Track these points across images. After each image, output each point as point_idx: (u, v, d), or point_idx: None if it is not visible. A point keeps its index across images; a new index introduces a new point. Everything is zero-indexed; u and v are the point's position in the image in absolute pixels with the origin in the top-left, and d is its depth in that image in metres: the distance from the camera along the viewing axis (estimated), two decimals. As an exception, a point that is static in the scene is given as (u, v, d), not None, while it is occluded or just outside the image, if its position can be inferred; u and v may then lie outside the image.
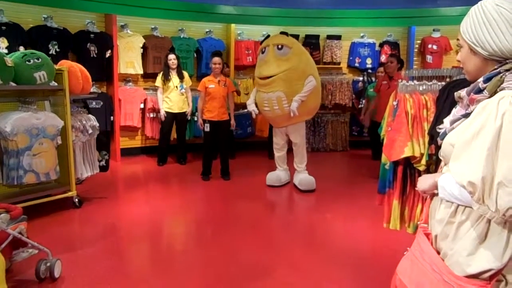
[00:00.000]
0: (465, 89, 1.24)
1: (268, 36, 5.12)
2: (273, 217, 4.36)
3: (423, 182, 1.35)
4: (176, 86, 5.97)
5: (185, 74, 6.16)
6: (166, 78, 5.92)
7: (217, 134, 5.32)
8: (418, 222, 1.45)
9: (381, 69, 6.53)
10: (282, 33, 5.07)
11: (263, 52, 4.90)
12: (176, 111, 6.04)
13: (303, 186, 4.98)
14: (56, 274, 2.71)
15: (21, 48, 5.17)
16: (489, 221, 1.14)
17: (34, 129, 3.72)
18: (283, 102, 4.70)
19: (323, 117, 7.51)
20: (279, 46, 4.77)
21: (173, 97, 6.00)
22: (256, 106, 5.03)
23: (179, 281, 2.80)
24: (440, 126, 1.35)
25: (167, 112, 6.04)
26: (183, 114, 6.14)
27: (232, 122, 5.46)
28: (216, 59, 5.24)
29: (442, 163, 1.36)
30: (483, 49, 1.19)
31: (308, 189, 4.95)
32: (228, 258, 3.16)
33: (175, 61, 5.94)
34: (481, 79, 1.19)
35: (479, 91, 1.18)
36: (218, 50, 5.76)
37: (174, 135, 6.38)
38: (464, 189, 1.14)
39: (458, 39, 1.28)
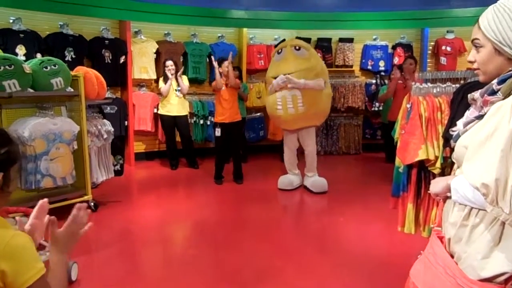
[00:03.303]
0: (479, 90, 1.22)
1: (283, 40, 5.20)
2: (285, 220, 4.35)
3: (436, 185, 1.33)
4: (175, 90, 6.03)
5: (184, 77, 6.21)
6: (165, 83, 6.00)
7: (230, 136, 5.32)
8: (432, 226, 1.44)
9: (398, 71, 6.48)
10: (297, 38, 5.19)
11: (279, 53, 4.93)
12: (175, 114, 6.08)
13: (315, 188, 4.98)
14: (73, 277, 2.75)
15: (38, 55, 5.29)
16: (503, 223, 1.13)
17: (51, 134, 3.79)
18: (298, 101, 4.67)
19: (336, 120, 7.48)
20: (297, 47, 4.85)
21: (172, 101, 6.05)
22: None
23: (191, 284, 2.82)
24: (454, 129, 1.33)
25: (166, 116, 6.10)
26: (183, 118, 6.19)
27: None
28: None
29: (455, 166, 1.35)
30: (511, 48, 1.14)
31: (321, 191, 4.95)
32: (241, 261, 3.17)
33: (173, 67, 5.98)
34: (495, 81, 1.17)
35: (493, 92, 1.16)
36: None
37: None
38: (477, 191, 1.13)
39: (475, 39, 1.21)
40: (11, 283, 0.94)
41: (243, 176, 5.49)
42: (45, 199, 1.19)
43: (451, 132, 1.36)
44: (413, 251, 3.25)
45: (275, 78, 4.79)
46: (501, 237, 1.14)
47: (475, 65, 1.24)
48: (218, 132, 5.29)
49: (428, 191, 2.77)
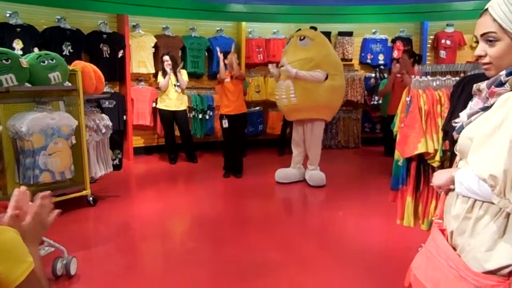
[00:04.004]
0: (485, 81, 1.20)
1: (300, 29, 5.21)
2: (284, 214, 4.36)
3: (439, 177, 1.32)
4: (174, 85, 6.01)
5: (183, 71, 6.19)
6: (164, 77, 5.97)
7: (235, 128, 5.32)
8: (433, 218, 1.42)
9: (397, 65, 6.45)
10: (311, 27, 5.16)
11: (287, 44, 5.07)
12: (173, 108, 6.07)
13: (313, 181, 4.98)
14: (72, 271, 2.75)
15: (36, 50, 5.25)
16: (508, 215, 1.12)
17: (49, 129, 3.77)
18: (290, 91, 4.70)
19: (335, 114, 7.45)
20: (301, 37, 4.88)
21: (170, 95, 6.04)
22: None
23: (191, 278, 2.82)
24: (456, 120, 1.31)
25: (164, 110, 6.09)
26: (181, 112, 6.17)
27: None
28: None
29: (457, 158, 1.34)
30: None
31: (318, 185, 4.95)
32: (240, 255, 3.17)
33: (170, 62, 5.95)
34: (503, 72, 1.14)
35: (501, 84, 1.14)
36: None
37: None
38: (483, 183, 1.11)
39: (490, 32, 1.15)
40: (3, 281, 0.93)
41: (242, 170, 5.48)
42: (22, 187, 1.15)
43: (453, 124, 1.33)
44: (412, 244, 3.26)
45: (280, 68, 4.95)
46: (505, 229, 1.13)
47: (485, 60, 1.19)
48: (225, 123, 5.29)
49: (430, 184, 2.76)
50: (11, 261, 0.95)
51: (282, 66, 4.84)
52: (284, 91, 4.74)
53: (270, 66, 5.16)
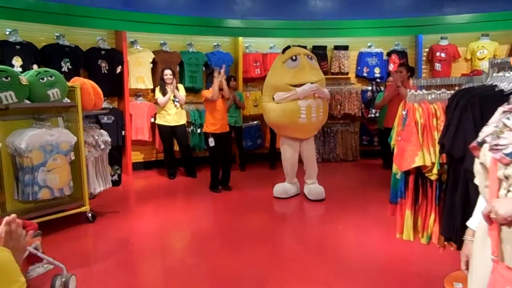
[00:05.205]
0: None
1: (289, 47, 5.05)
2: (283, 228, 4.35)
3: (509, 207, 1.14)
4: (173, 100, 6.04)
5: (180, 86, 6.24)
6: (163, 93, 5.99)
7: (222, 145, 5.38)
8: (491, 257, 1.25)
9: (390, 78, 6.53)
10: (300, 46, 5.24)
11: (293, 60, 4.81)
12: (172, 124, 6.09)
13: (312, 195, 4.98)
14: (71, 289, 2.73)
15: (35, 67, 5.31)
16: None
17: (48, 145, 3.78)
18: (320, 110, 4.79)
19: (333, 127, 7.51)
20: (309, 56, 4.95)
21: (170, 111, 6.06)
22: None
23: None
24: (502, 143, 1.22)
25: (164, 126, 6.11)
26: (181, 127, 6.20)
27: None
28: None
29: (504, 184, 1.22)
30: None
31: (318, 199, 4.95)
32: (239, 270, 3.16)
33: (171, 77, 5.98)
34: None
35: None
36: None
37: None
38: None
39: None
40: None
41: (229, 181, 5.59)
42: (13, 215, 1.11)
43: (499, 147, 1.23)
44: (412, 258, 3.26)
45: (293, 85, 4.70)
46: None
47: None
48: (212, 142, 5.32)
49: (426, 197, 2.75)
50: (5, 281, 0.94)
51: (305, 86, 4.67)
52: (315, 110, 4.73)
53: (313, 85, 4.70)
